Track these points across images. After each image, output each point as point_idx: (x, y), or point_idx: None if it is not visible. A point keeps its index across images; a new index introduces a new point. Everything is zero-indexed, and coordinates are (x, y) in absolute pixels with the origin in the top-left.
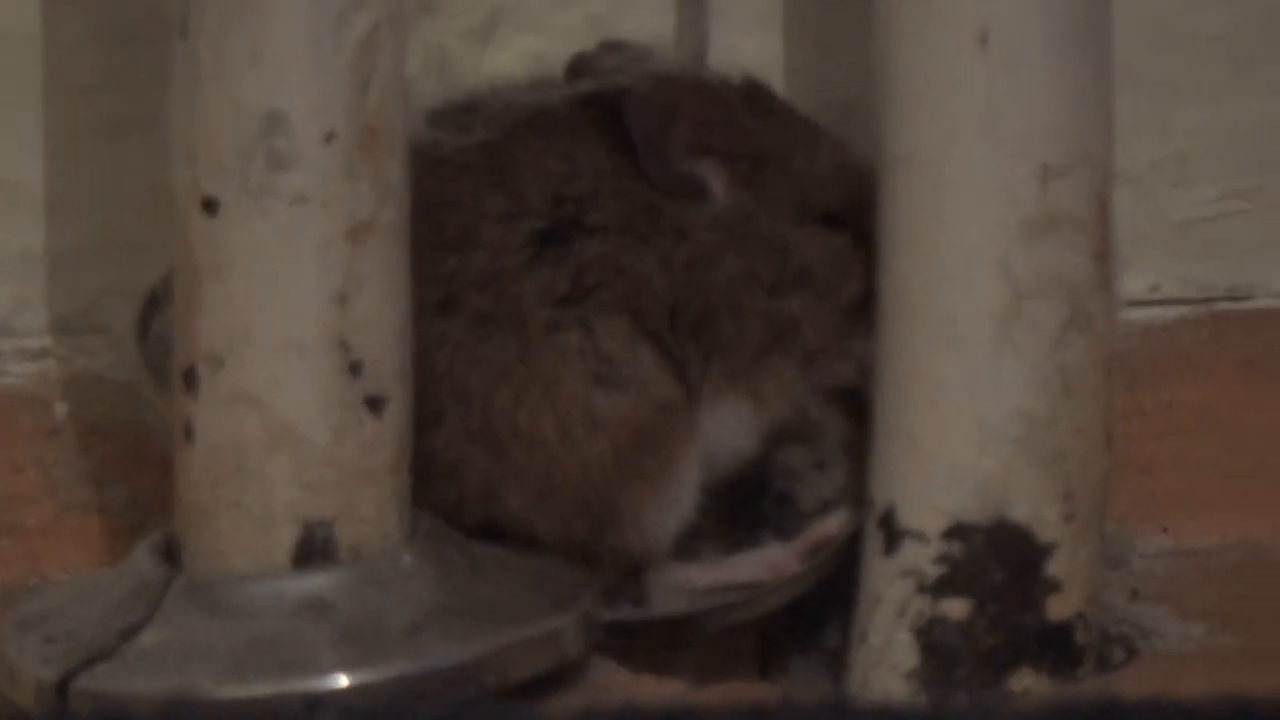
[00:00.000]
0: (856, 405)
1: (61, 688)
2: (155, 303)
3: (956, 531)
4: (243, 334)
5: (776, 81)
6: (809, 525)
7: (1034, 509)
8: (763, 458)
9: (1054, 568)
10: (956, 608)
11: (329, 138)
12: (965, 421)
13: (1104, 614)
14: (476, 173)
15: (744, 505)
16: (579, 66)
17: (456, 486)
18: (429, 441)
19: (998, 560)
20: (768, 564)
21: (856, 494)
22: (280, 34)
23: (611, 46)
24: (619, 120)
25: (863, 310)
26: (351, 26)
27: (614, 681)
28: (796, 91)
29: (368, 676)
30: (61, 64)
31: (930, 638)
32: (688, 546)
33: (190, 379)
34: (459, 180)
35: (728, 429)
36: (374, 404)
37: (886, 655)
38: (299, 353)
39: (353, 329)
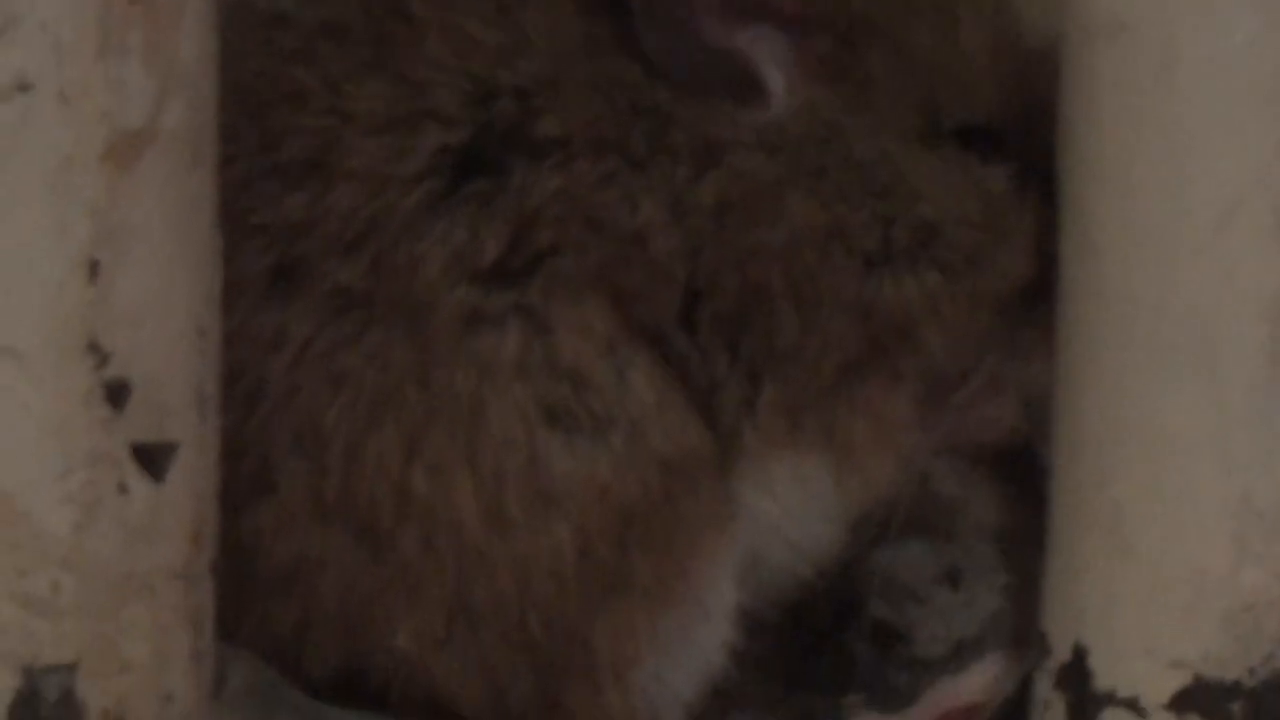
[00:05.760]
0: (1019, 474)
1: None
2: None
3: (1198, 696)
4: None
5: None
6: (933, 685)
7: None
8: (853, 564)
9: None
10: None
11: None
12: (1213, 502)
13: None
14: (339, 43)
15: (819, 648)
16: None
17: (299, 606)
18: (251, 525)
19: None
20: None
21: (1017, 631)
22: None
23: None
24: None
25: (1032, 304)
26: None
27: None
28: None
29: None
30: None
31: None
32: None
33: None
34: (307, 57)
35: (790, 510)
36: (149, 457)
37: None
38: (15, 363)
39: (111, 322)
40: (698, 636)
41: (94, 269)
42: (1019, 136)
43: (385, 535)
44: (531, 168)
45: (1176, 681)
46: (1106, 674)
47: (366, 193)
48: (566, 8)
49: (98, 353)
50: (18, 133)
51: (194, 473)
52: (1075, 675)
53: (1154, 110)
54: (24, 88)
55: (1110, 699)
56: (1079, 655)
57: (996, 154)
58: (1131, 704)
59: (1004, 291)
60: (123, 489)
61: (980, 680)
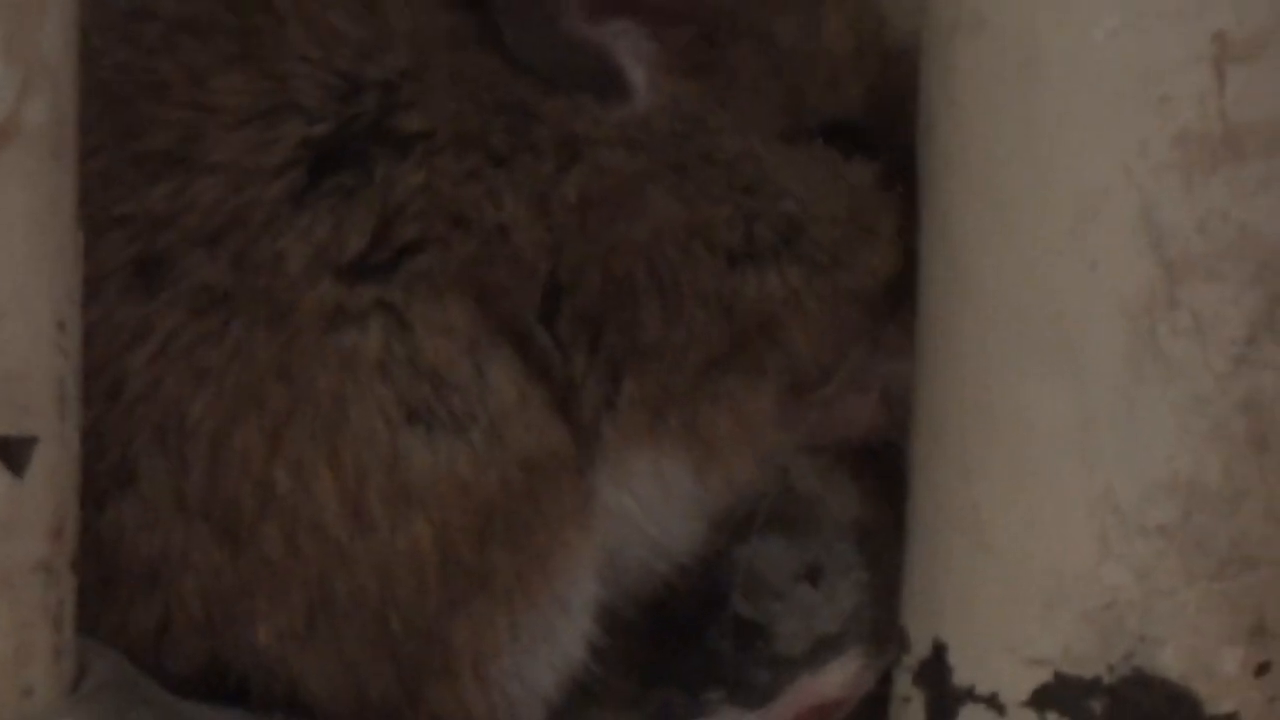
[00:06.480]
0: (881, 470)
1: None
2: None
3: (1057, 693)
4: None
5: None
6: (793, 681)
7: (1197, 653)
8: (714, 561)
9: None
10: None
11: None
12: (1075, 500)
13: None
14: (201, 36)
15: (679, 645)
16: None
17: (160, 602)
18: (112, 520)
19: None
20: None
21: (877, 627)
22: None
23: None
24: None
25: (896, 300)
26: None
27: None
28: None
29: None
30: None
31: None
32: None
33: None
34: (169, 49)
35: (651, 507)
36: (9, 452)
37: None
38: None
39: None
40: (558, 633)
41: None
42: (884, 133)
43: (247, 532)
44: (394, 162)
45: (1036, 678)
46: (966, 670)
47: (229, 186)
48: (430, 1)
49: None
50: None
51: (54, 467)
52: (934, 671)
53: (1015, 107)
54: None
55: (969, 695)
56: (938, 651)
57: (861, 150)
58: (991, 700)
59: (868, 288)
60: None
61: (840, 676)
